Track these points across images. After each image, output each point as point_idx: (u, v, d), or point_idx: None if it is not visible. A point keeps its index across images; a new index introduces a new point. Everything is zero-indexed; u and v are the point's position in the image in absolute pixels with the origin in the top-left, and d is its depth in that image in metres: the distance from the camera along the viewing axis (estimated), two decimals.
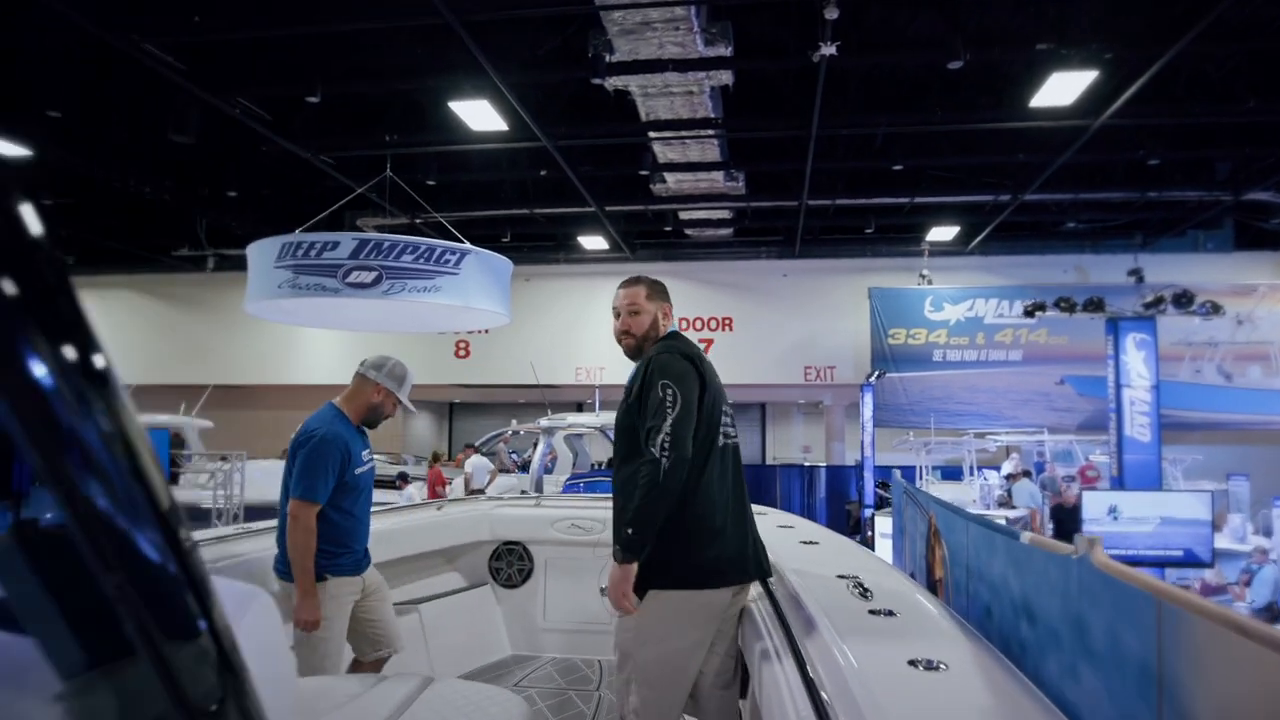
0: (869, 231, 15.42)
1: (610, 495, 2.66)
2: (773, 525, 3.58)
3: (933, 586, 2.80)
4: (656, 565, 2.46)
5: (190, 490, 9.90)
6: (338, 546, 3.17)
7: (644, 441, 2.37)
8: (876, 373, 15.54)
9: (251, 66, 9.50)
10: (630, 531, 2.35)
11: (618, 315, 2.77)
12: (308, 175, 12.75)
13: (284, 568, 3.09)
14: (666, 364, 2.50)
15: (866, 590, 2.16)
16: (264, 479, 11.42)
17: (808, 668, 1.76)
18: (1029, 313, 8.54)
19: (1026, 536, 1.63)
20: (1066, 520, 8.89)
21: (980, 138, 11.41)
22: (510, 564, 4.83)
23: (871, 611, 2.00)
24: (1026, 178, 12.29)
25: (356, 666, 3.29)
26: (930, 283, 16.04)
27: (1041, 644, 1.64)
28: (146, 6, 7.76)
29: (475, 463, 13.46)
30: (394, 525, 4.38)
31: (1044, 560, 1.50)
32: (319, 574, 3.06)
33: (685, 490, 2.43)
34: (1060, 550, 1.45)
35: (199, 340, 18.79)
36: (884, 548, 7.15)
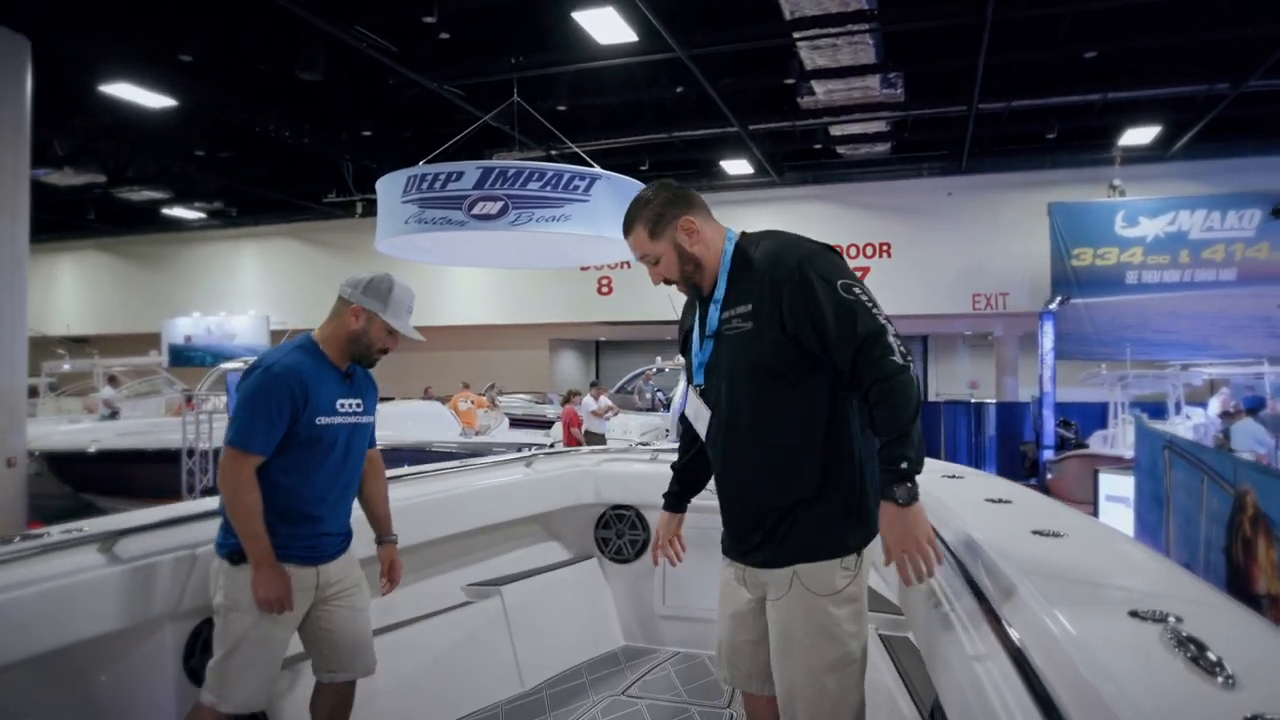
0: (1050, 138, 13.75)
1: None
2: (994, 509, 2.31)
3: (1247, 601, 1.89)
4: (864, 511, 1.89)
5: None
6: (284, 522, 2.36)
7: (855, 358, 1.77)
8: (1058, 298, 13.98)
9: None
10: (910, 462, 1.71)
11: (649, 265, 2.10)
12: (440, 109, 12.44)
13: (224, 538, 2.37)
14: (823, 261, 1.85)
15: (1203, 651, 1.07)
16: (405, 420, 11.34)
17: None
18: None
19: None
20: None
21: (1194, 10, 9.58)
22: (620, 533, 3.94)
23: None
24: (1252, 60, 10.28)
25: (319, 691, 2.52)
26: (1123, 194, 14.17)
27: None
28: None
29: (589, 405, 12.44)
30: (470, 487, 3.62)
31: None
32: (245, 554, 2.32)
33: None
34: None
35: None
36: (1115, 517, 5.92)
